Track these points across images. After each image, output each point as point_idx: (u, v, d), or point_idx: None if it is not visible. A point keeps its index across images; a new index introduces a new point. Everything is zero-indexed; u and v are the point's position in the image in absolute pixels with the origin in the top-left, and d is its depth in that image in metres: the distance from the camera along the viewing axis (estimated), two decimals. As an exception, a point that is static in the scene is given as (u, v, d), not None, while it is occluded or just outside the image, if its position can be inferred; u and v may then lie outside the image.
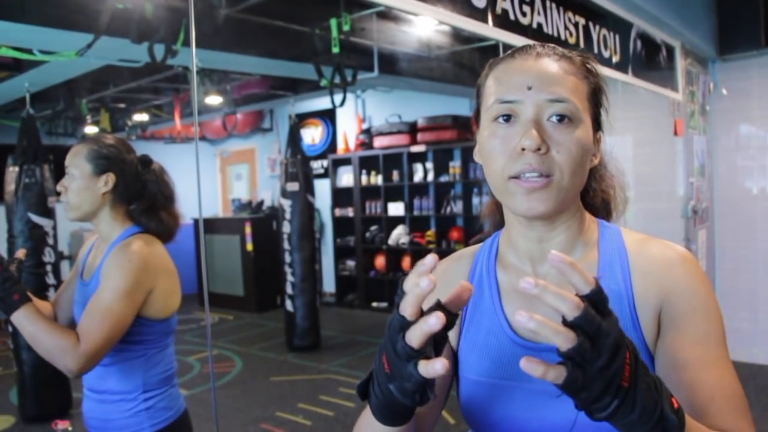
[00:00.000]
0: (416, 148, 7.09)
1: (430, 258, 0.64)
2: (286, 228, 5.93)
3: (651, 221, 4.28)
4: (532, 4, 2.69)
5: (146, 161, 1.81)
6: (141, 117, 7.00)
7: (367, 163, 7.71)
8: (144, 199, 1.76)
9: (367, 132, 7.71)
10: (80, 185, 1.68)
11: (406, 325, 0.64)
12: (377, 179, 7.62)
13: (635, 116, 4.45)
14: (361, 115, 8.08)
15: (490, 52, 4.65)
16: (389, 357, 0.66)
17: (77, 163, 1.69)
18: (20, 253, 1.60)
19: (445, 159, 7.12)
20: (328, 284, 8.46)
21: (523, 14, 2.64)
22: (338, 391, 4.77)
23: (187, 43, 3.16)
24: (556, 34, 2.86)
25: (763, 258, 4.97)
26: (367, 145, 7.69)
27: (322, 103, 7.59)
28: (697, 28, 4.48)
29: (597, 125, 0.93)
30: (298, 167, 5.90)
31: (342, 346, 6.20)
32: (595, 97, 0.92)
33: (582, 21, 3.10)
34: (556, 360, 0.85)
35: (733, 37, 4.85)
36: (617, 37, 3.47)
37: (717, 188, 5.12)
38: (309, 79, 4.67)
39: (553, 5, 2.83)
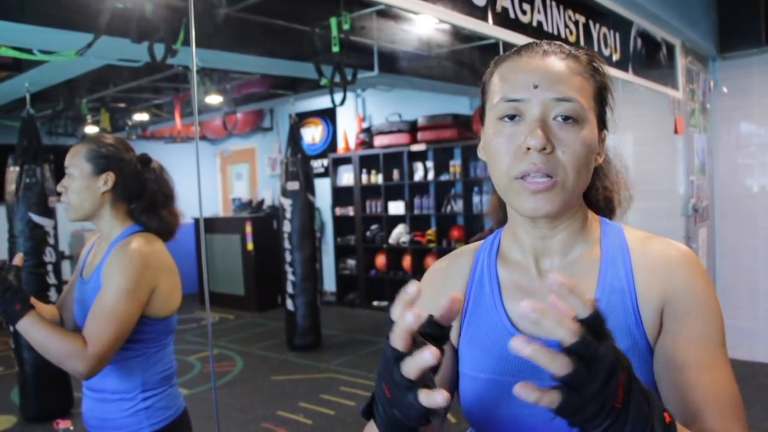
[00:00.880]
0: (416, 147, 7.09)
1: (412, 287, 0.64)
2: (287, 227, 5.93)
3: (651, 219, 4.27)
4: (532, 3, 2.68)
5: (145, 160, 1.82)
6: (141, 116, 7.00)
7: (368, 162, 7.71)
8: (144, 197, 1.76)
9: (368, 131, 7.71)
10: (80, 185, 1.68)
11: (399, 356, 0.64)
12: (377, 178, 7.62)
13: (635, 114, 4.45)
14: (361, 114, 8.08)
15: (491, 50, 4.65)
16: (389, 385, 0.66)
17: (76, 163, 1.69)
18: (17, 259, 1.58)
19: (445, 158, 7.12)
20: (329, 283, 8.46)
21: (523, 12, 2.63)
22: (339, 390, 4.77)
23: (187, 42, 3.16)
24: (556, 33, 2.86)
25: (763, 256, 4.97)
26: (367, 144, 7.69)
27: (322, 102, 7.59)
28: (698, 26, 4.47)
29: (602, 124, 0.93)
30: (299, 166, 5.90)
31: (343, 345, 6.21)
32: (601, 96, 0.92)
33: (582, 19, 3.10)
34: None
35: (734, 35, 4.85)
36: (617, 35, 3.47)
37: (717, 186, 5.12)
38: (309, 78, 4.67)
39: (553, 3, 2.83)
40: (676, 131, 4.34)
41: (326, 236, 8.52)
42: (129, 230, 1.72)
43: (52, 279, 4.28)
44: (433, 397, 0.61)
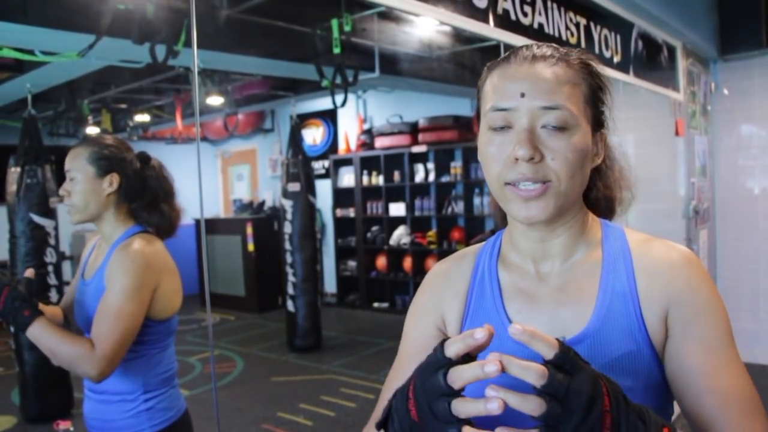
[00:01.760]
0: (417, 149, 7.09)
1: (481, 334, 0.65)
2: (288, 228, 5.93)
3: (652, 221, 4.27)
4: (533, 5, 2.68)
5: (145, 158, 1.82)
6: (142, 118, 7.01)
7: (369, 164, 7.71)
8: (145, 195, 1.77)
9: (368, 132, 7.71)
10: (85, 188, 1.68)
11: (448, 363, 0.65)
12: (378, 179, 7.62)
13: (636, 116, 4.44)
14: (362, 115, 8.08)
15: (491, 52, 4.65)
16: (418, 400, 0.66)
17: (79, 166, 1.69)
18: (29, 273, 1.61)
19: (446, 159, 7.12)
20: (330, 284, 8.46)
21: (524, 14, 2.63)
22: (339, 392, 4.77)
23: (188, 43, 3.16)
24: (557, 35, 2.86)
25: (764, 258, 4.96)
26: (368, 145, 7.70)
27: (323, 103, 7.59)
28: (699, 28, 4.47)
29: (599, 125, 0.92)
30: (300, 168, 5.90)
31: (343, 346, 6.20)
32: (595, 98, 0.91)
33: (583, 21, 3.10)
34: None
35: (735, 37, 4.85)
36: (618, 37, 3.47)
37: (718, 188, 5.11)
38: (310, 80, 4.67)
39: (554, 5, 2.83)
40: (677, 133, 4.34)
41: (327, 237, 8.52)
42: (130, 231, 1.72)
43: (52, 280, 4.29)
44: (482, 404, 0.62)
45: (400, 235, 7.43)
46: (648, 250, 0.90)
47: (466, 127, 6.77)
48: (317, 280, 6.09)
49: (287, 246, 5.95)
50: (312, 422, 4.22)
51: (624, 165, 1.04)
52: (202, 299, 8.25)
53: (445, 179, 7.08)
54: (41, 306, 1.60)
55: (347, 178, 8.02)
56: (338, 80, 4.01)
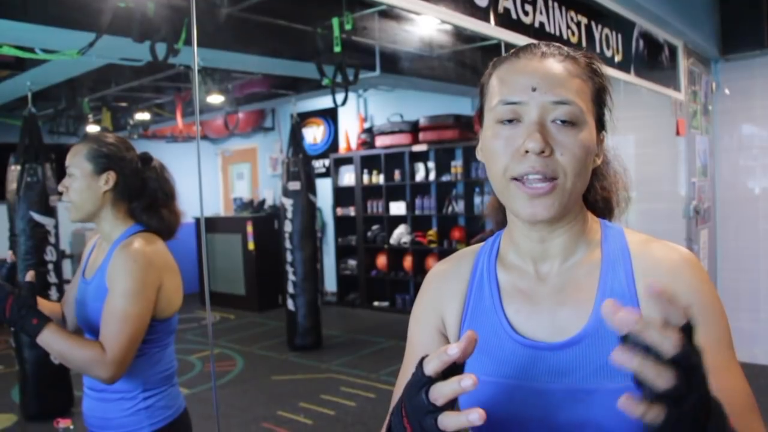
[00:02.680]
0: (418, 148, 7.09)
1: (454, 350, 0.65)
2: (288, 227, 5.93)
3: (653, 221, 4.28)
4: (534, 4, 2.68)
5: (146, 159, 1.82)
6: (143, 116, 7.00)
7: (369, 163, 7.71)
8: (145, 196, 1.76)
9: (369, 131, 7.71)
10: (81, 185, 1.68)
11: (429, 381, 0.65)
12: (379, 178, 7.62)
13: (637, 116, 4.45)
14: (362, 114, 8.08)
15: (492, 51, 4.65)
16: (409, 416, 0.67)
17: (77, 163, 1.69)
18: (30, 276, 1.60)
19: (446, 158, 7.12)
20: (330, 283, 8.46)
21: (525, 13, 2.63)
22: (339, 391, 4.77)
23: (188, 41, 3.16)
24: (558, 34, 2.86)
25: (765, 258, 4.96)
26: (368, 144, 7.69)
27: (323, 102, 7.60)
28: (700, 28, 4.47)
29: (600, 125, 0.93)
30: (300, 166, 5.90)
31: (343, 345, 6.20)
32: (599, 98, 0.91)
33: (584, 20, 3.10)
34: (556, 359, 0.85)
35: (736, 37, 4.85)
36: (619, 36, 3.46)
37: (719, 188, 5.11)
38: (311, 78, 4.67)
39: (556, 4, 2.83)
40: (677, 133, 4.33)
41: (327, 236, 8.52)
42: (130, 230, 1.72)
43: (52, 278, 4.29)
44: (464, 416, 0.62)
45: (401, 234, 7.43)
46: (648, 251, 0.90)
47: (466, 127, 6.77)
48: (317, 279, 6.09)
49: (287, 245, 5.95)
50: (312, 421, 4.22)
51: (619, 167, 1.04)
52: (202, 298, 8.25)
53: (445, 178, 7.08)
54: (40, 301, 1.60)
55: (348, 176, 8.01)
56: (339, 79, 4.01)
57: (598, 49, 3.20)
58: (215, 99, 5.81)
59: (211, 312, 2.40)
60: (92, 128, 6.59)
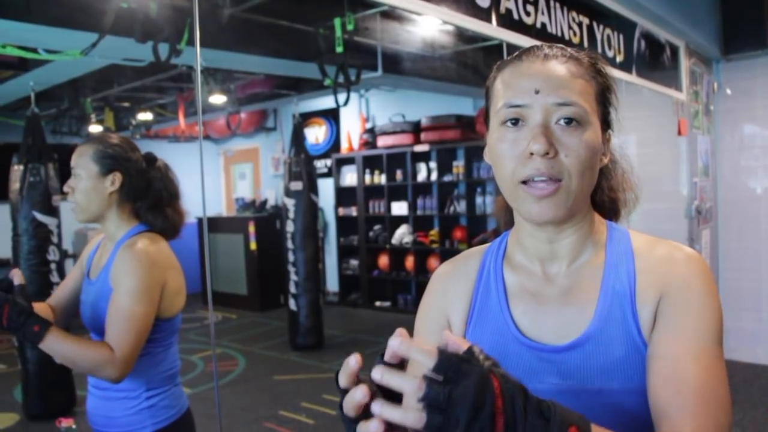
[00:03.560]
0: (420, 148, 7.09)
1: (353, 361, 0.65)
2: (290, 227, 5.94)
3: (655, 221, 4.27)
4: (536, 4, 2.68)
5: (151, 159, 1.82)
6: (145, 116, 7.01)
7: (371, 163, 7.71)
8: (149, 196, 1.77)
9: (371, 131, 7.71)
10: (87, 186, 1.69)
11: (342, 393, 0.66)
12: (381, 178, 7.62)
13: (639, 116, 4.45)
14: (364, 114, 8.08)
15: (494, 51, 4.65)
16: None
17: (83, 164, 1.69)
18: (18, 277, 1.52)
19: (448, 158, 7.12)
20: (332, 283, 8.47)
21: (527, 14, 2.63)
22: (341, 390, 4.77)
23: (191, 42, 3.17)
24: (559, 34, 2.86)
25: (766, 258, 4.96)
26: (370, 144, 7.70)
27: (325, 102, 7.60)
28: (701, 28, 4.47)
29: (606, 125, 0.93)
30: (302, 166, 5.91)
31: (345, 345, 6.21)
32: (604, 98, 0.92)
33: (586, 21, 3.10)
34: (560, 360, 0.86)
35: (738, 37, 4.84)
36: (621, 36, 3.47)
37: (721, 188, 5.11)
38: (313, 79, 4.67)
39: (557, 5, 2.83)
40: (679, 133, 4.33)
41: (329, 236, 8.53)
42: (134, 230, 1.73)
43: (55, 277, 4.29)
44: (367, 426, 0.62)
45: (402, 234, 7.44)
46: (651, 251, 0.91)
47: (468, 127, 6.77)
48: (319, 279, 6.10)
49: (289, 245, 5.95)
50: (314, 421, 4.22)
51: (627, 166, 1.04)
52: (204, 297, 8.26)
53: (447, 178, 7.08)
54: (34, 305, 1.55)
55: (350, 177, 8.02)
56: (341, 79, 4.01)
57: (599, 50, 3.21)
58: (217, 99, 5.81)
59: (213, 312, 2.40)
60: (95, 128, 6.60)
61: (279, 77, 5.73)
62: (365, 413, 0.63)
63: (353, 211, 7.94)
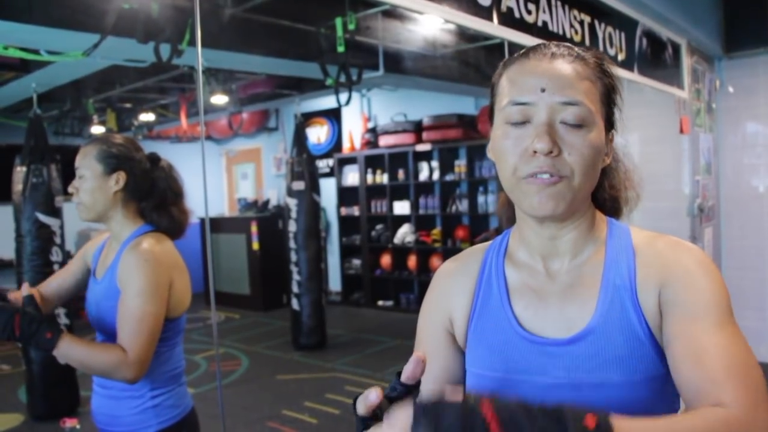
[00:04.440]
0: (422, 147, 7.09)
1: (374, 395, 0.65)
2: (292, 227, 5.94)
3: (657, 219, 4.26)
4: (537, 2, 2.68)
5: (155, 159, 1.83)
6: (147, 117, 7.02)
7: (373, 162, 7.72)
8: (154, 196, 1.78)
9: (373, 131, 7.71)
10: (92, 185, 1.69)
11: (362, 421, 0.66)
12: (383, 178, 7.62)
13: (641, 114, 4.44)
14: (366, 114, 8.08)
15: (496, 50, 4.65)
16: None
17: (87, 164, 1.70)
18: (26, 288, 1.56)
19: (450, 158, 7.12)
20: (334, 283, 8.47)
21: (528, 12, 2.63)
22: (344, 390, 4.78)
23: (192, 42, 3.16)
24: (561, 32, 2.86)
25: (770, 256, 4.95)
26: (372, 144, 7.70)
27: (327, 102, 7.60)
28: (703, 26, 4.46)
29: (610, 125, 0.94)
30: (304, 166, 5.91)
31: (348, 344, 6.21)
32: (609, 98, 0.92)
33: (587, 19, 3.10)
34: (562, 354, 0.86)
35: (740, 35, 4.84)
36: (623, 34, 3.46)
37: (723, 186, 5.10)
38: (314, 79, 4.68)
39: (559, 3, 2.83)
40: (681, 131, 4.33)
41: (331, 236, 8.53)
42: (140, 230, 1.73)
43: (58, 278, 4.29)
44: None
45: (405, 234, 7.44)
46: (652, 245, 0.91)
47: (470, 126, 6.76)
48: (322, 279, 6.10)
49: (292, 244, 5.96)
50: (317, 420, 4.23)
51: (629, 165, 1.05)
52: (206, 297, 8.22)
53: (449, 178, 7.08)
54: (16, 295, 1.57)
55: (352, 176, 8.02)
56: (342, 79, 4.01)
57: (601, 48, 3.20)
58: (219, 99, 5.82)
59: (216, 312, 2.41)
60: (97, 129, 6.61)
61: (280, 77, 5.73)
62: (375, 414, 0.64)
63: (355, 211, 7.95)
